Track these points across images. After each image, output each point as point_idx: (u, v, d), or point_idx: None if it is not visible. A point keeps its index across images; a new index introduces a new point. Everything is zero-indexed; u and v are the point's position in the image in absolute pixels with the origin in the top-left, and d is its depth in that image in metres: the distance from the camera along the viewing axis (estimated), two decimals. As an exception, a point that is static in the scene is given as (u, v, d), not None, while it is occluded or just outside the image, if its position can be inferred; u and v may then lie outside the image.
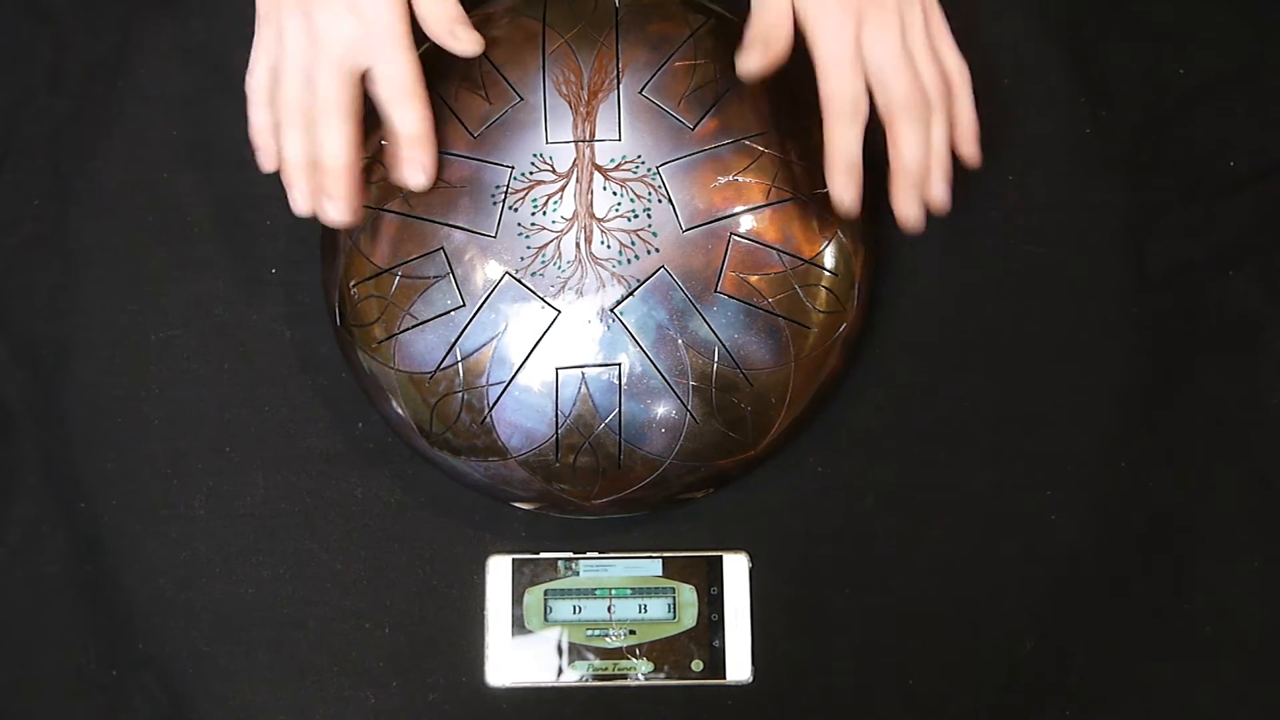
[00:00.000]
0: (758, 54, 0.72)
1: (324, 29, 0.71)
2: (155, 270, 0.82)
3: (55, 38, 0.84)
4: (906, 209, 0.73)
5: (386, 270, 0.75)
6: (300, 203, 0.74)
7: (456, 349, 0.75)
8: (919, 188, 0.73)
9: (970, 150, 0.74)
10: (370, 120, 0.74)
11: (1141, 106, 0.83)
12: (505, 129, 0.76)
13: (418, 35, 0.73)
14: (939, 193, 0.73)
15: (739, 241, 0.75)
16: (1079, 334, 0.81)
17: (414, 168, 0.73)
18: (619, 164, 0.75)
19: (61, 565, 0.80)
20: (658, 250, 0.75)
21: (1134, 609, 0.80)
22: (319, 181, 0.73)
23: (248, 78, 0.74)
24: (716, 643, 0.79)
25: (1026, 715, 0.79)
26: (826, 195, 0.75)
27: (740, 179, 0.75)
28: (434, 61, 0.76)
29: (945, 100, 0.73)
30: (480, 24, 0.77)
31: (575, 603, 0.79)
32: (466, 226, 0.75)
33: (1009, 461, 0.81)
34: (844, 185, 0.72)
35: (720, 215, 0.75)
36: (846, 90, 0.71)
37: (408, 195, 0.75)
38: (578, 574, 0.79)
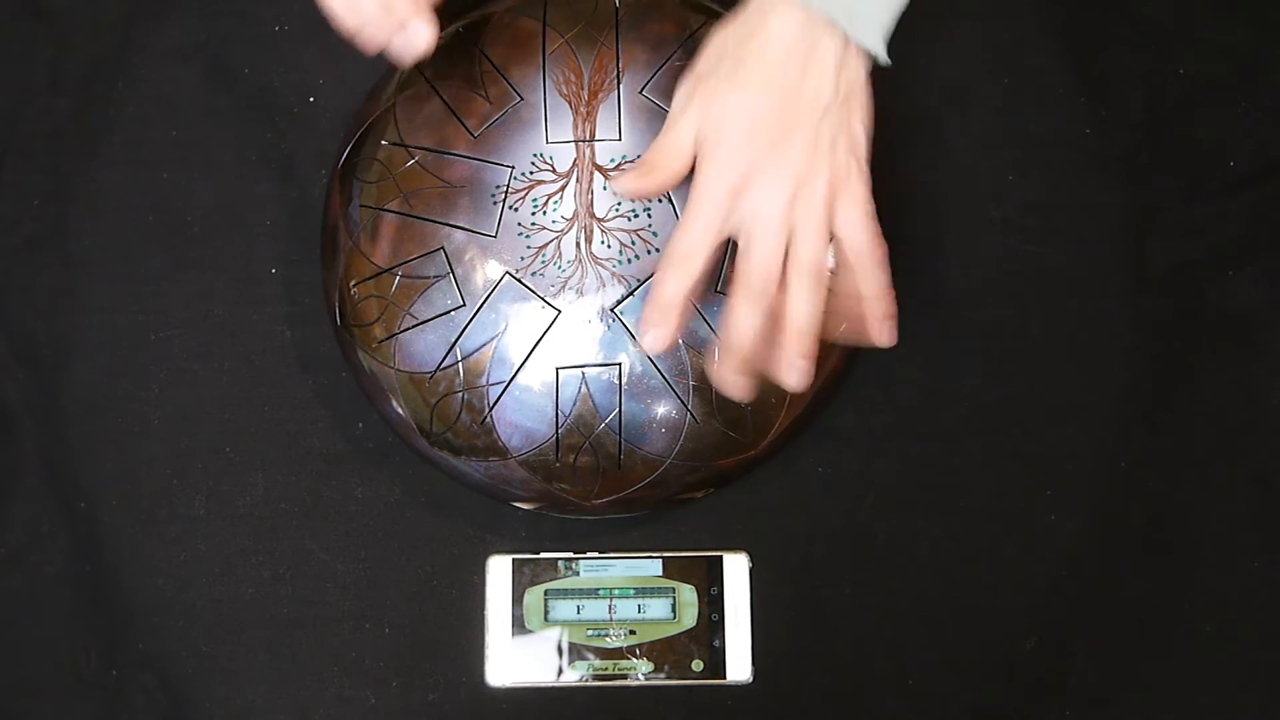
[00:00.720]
0: (639, 177, 0.69)
1: None
2: (155, 270, 0.82)
3: (55, 38, 0.84)
4: (721, 382, 0.69)
5: (386, 270, 0.75)
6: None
7: (456, 349, 0.75)
8: (736, 364, 0.68)
9: (877, 332, 0.68)
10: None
11: (1141, 106, 0.83)
12: (505, 129, 0.76)
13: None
14: (788, 373, 0.67)
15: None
16: (1079, 334, 0.81)
17: None
18: (619, 164, 0.75)
19: (61, 565, 0.80)
20: (658, 250, 0.75)
21: (1134, 609, 0.80)
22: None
23: None
24: (716, 643, 0.79)
25: (1026, 715, 0.79)
26: None
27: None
28: (433, 61, 0.76)
29: (819, 278, 0.67)
30: (480, 24, 0.77)
31: (575, 603, 0.79)
32: (467, 226, 0.75)
33: (1009, 461, 0.81)
34: (645, 330, 0.68)
35: (720, 215, 0.75)
36: (683, 239, 0.67)
37: (408, 195, 0.75)
38: (578, 574, 0.79)
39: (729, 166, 0.67)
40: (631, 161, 0.75)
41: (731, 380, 0.69)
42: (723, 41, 0.69)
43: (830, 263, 0.68)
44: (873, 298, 0.68)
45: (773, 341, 0.67)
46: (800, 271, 0.67)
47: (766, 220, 0.66)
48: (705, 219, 0.67)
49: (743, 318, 0.67)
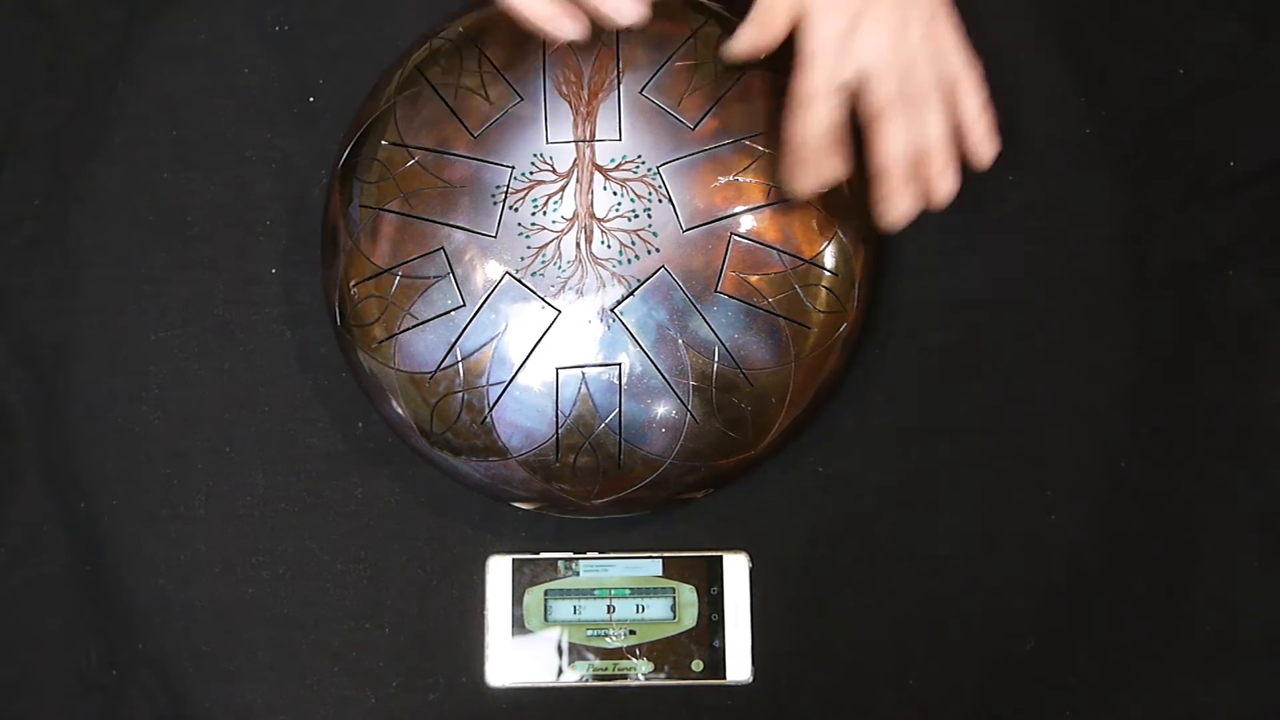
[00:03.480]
0: (750, 34, 0.73)
1: None
2: (155, 270, 0.82)
3: (55, 38, 0.84)
4: (882, 209, 0.73)
5: (386, 270, 0.75)
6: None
7: (456, 349, 0.75)
8: (895, 188, 0.73)
9: (980, 150, 0.74)
10: (372, 128, 0.74)
11: (1141, 106, 0.83)
12: (506, 129, 0.76)
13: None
14: (936, 187, 0.73)
15: (739, 241, 0.75)
16: (1079, 334, 0.81)
17: None
18: (619, 164, 0.75)
19: (61, 565, 0.80)
20: (658, 250, 0.75)
21: (1134, 609, 0.80)
22: None
23: None
24: (716, 643, 0.79)
25: (1026, 715, 0.79)
26: (827, 195, 0.75)
27: (740, 179, 0.75)
28: (433, 61, 0.77)
29: (942, 98, 0.73)
30: (480, 24, 0.77)
31: (575, 603, 0.79)
32: (467, 226, 0.75)
33: (1009, 461, 0.81)
34: (789, 176, 0.73)
35: (720, 215, 0.75)
36: (811, 80, 0.71)
37: (408, 195, 0.75)
38: (578, 574, 0.79)
39: (836, 11, 0.71)
40: (632, 161, 0.75)
41: (893, 214, 0.73)
42: None
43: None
44: (975, 115, 0.73)
45: (916, 167, 0.73)
46: (925, 96, 0.72)
47: (880, 58, 0.71)
48: (821, 65, 0.71)
49: (889, 141, 0.71)
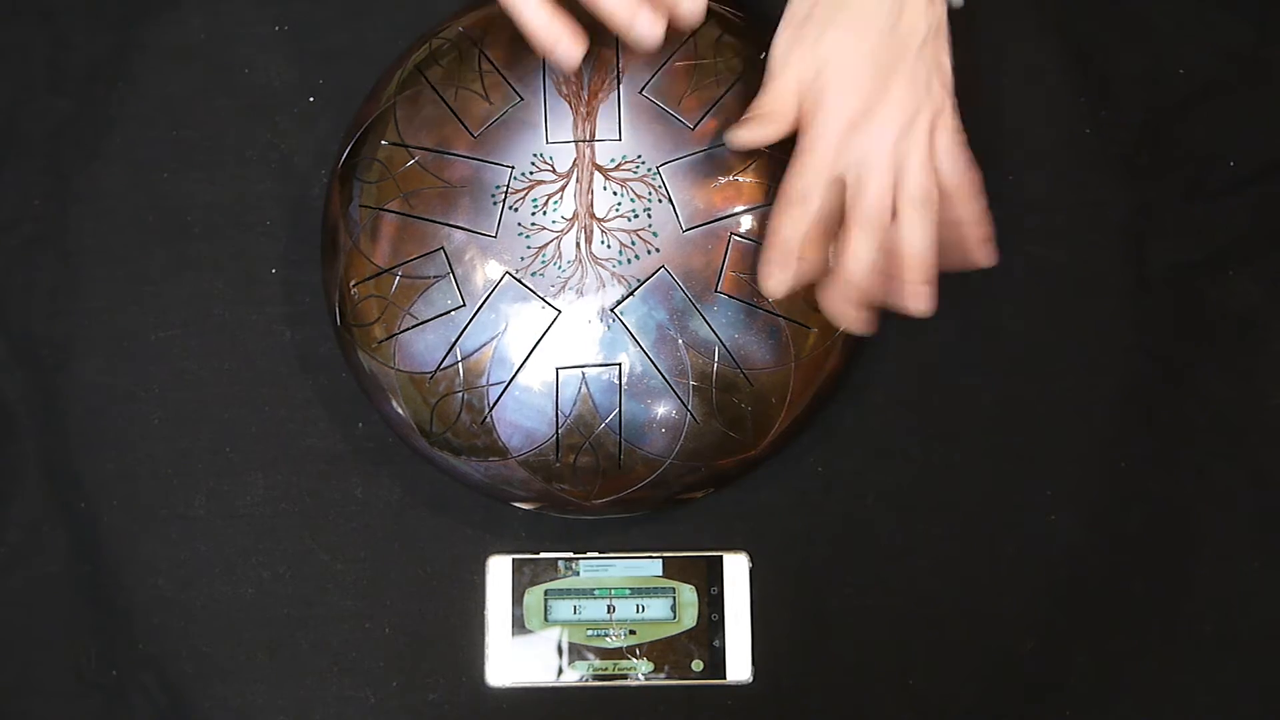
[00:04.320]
0: (755, 129, 0.72)
1: None
2: (155, 270, 0.82)
3: (55, 38, 0.84)
4: (840, 316, 0.72)
5: (386, 270, 0.75)
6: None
7: (456, 349, 0.75)
8: (854, 297, 0.71)
9: (980, 254, 0.73)
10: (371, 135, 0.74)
11: (1141, 106, 0.83)
12: (505, 129, 0.76)
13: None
14: (914, 300, 0.70)
15: (739, 241, 0.75)
16: (1079, 334, 0.81)
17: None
18: (619, 164, 0.75)
19: (61, 565, 0.80)
20: (658, 250, 0.75)
21: (1134, 609, 0.80)
22: None
23: None
24: (716, 643, 0.79)
25: (1026, 715, 0.79)
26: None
27: (740, 179, 0.75)
28: (433, 61, 0.77)
29: (930, 207, 0.70)
30: (480, 24, 0.77)
31: (575, 603, 0.79)
32: (466, 226, 0.75)
33: (1009, 461, 0.81)
34: (768, 273, 0.71)
35: (720, 215, 0.75)
36: (797, 181, 0.70)
37: (408, 195, 0.75)
38: (578, 574, 0.79)
39: (840, 109, 0.70)
40: (632, 161, 0.75)
41: (849, 314, 0.71)
42: None
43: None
44: (972, 222, 0.72)
45: (887, 275, 0.71)
46: (913, 203, 0.70)
47: (878, 158, 0.70)
48: (818, 161, 0.70)
49: (861, 251, 0.70)
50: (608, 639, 0.79)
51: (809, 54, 0.71)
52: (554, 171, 0.75)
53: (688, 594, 0.79)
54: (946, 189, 0.71)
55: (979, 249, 0.73)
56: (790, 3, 0.72)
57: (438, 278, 0.75)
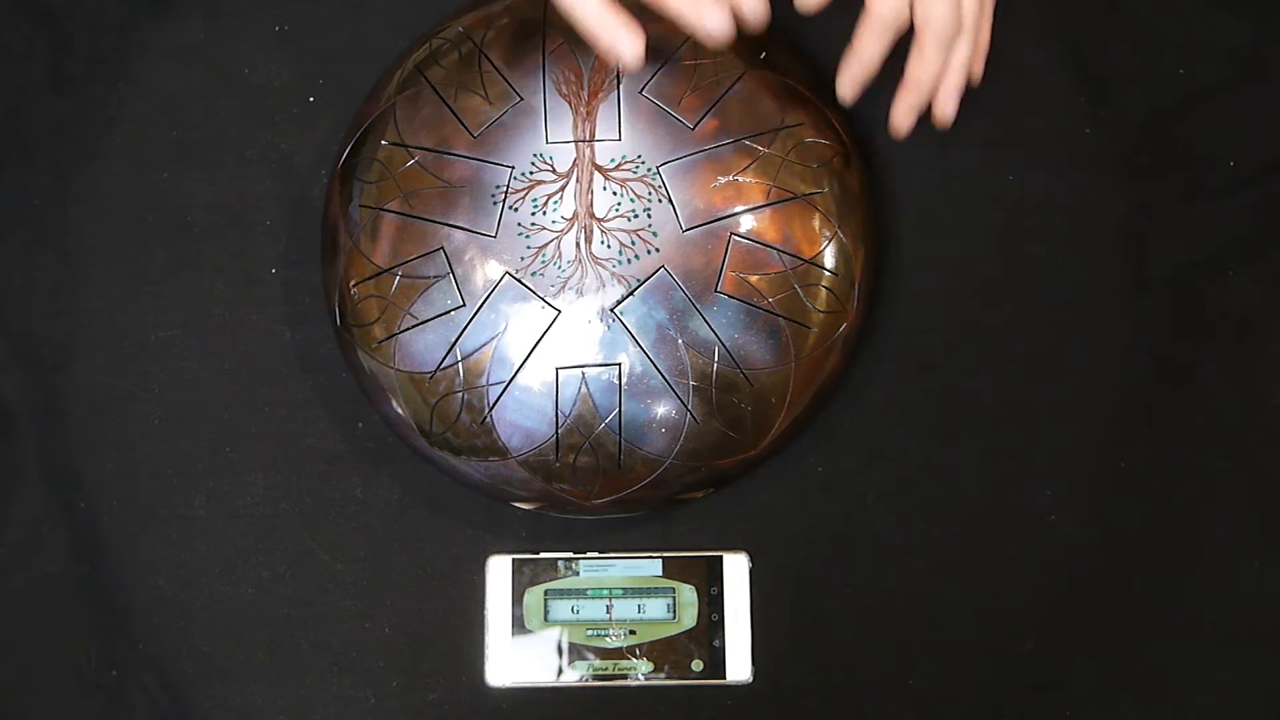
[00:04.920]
0: None
1: None
2: (155, 270, 0.82)
3: (55, 38, 0.84)
4: (903, 119, 0.78)
5: (386, 270, 0.75)
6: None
7: (456, 349, 0.75)
8: (920, 102, 0.78)
9: (977, 69, 0.79)
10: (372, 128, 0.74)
11: (1141, 106, 0.83)
12: (505, 129, 0.76)
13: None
14: (948, 109, 0.78)
15: (739, 241, 0.75)
16: (1079, 334, 0.81)
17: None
18: (619, 164, 0.75)
19: (61, 565, 0.80)
20: (658, 250, 0.75)
21: (1134, 609, 0.80)
22: None
23: None
24: (716, 643, 0.79)
25: (1026, 715, 0.79)
26: (826, 195, 0.75)
27: (740, 179, 0.75)
28: (433, 61, 0.77)
29: (976, 24, 0.77)
30: (480, 24, 0.77)
31: (575, 603, 0.79)
32: (466, 226, 0.75)
33: (1009, 461, 0.81)
34: (848, 84, 0.77)
35: (720, 215, 0.75)
36: (888, 6, 0.74)
37: (408, 195, 0.75)
38: (578, 574, 0.79)
39: None
40: (632, 161, 0.75)
41: (909, 123, 0.78)
42: None
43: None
44: (984, 46, 0.80)
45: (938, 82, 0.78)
46: (967, 23, 0.77)
47: None
48: None
49: (931, 61, 0.76)
50: (608, 639, 0.79)
51: None
52: (554, 171, 0.75)
53: (687, 594, 0.79)
54: (983, 5, 0.78)
55: (979, 65, 0.80)
56: None
57: (438, 278, 0.75)
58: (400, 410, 0.76)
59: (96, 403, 0.81)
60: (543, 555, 0.80)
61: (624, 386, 0.74)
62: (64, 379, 0.81)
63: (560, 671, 0.79)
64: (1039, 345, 0.81)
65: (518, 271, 0.75)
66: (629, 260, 0.75)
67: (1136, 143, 0.83)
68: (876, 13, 0.74)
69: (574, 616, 0.79)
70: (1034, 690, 0.79)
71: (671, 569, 0.79)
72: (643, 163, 0.75)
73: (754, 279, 0.75)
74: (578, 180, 0.75)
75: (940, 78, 0.77)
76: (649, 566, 0.79)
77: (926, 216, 0.82)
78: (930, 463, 0.81)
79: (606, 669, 0.79)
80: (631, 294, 0.74)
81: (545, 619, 0.79)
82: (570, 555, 0.80)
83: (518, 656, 0.79)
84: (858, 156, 0.78)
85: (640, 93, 0.76)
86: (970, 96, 0.81)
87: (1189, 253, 0.82)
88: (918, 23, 0.75)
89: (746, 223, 0.75)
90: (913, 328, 0.82)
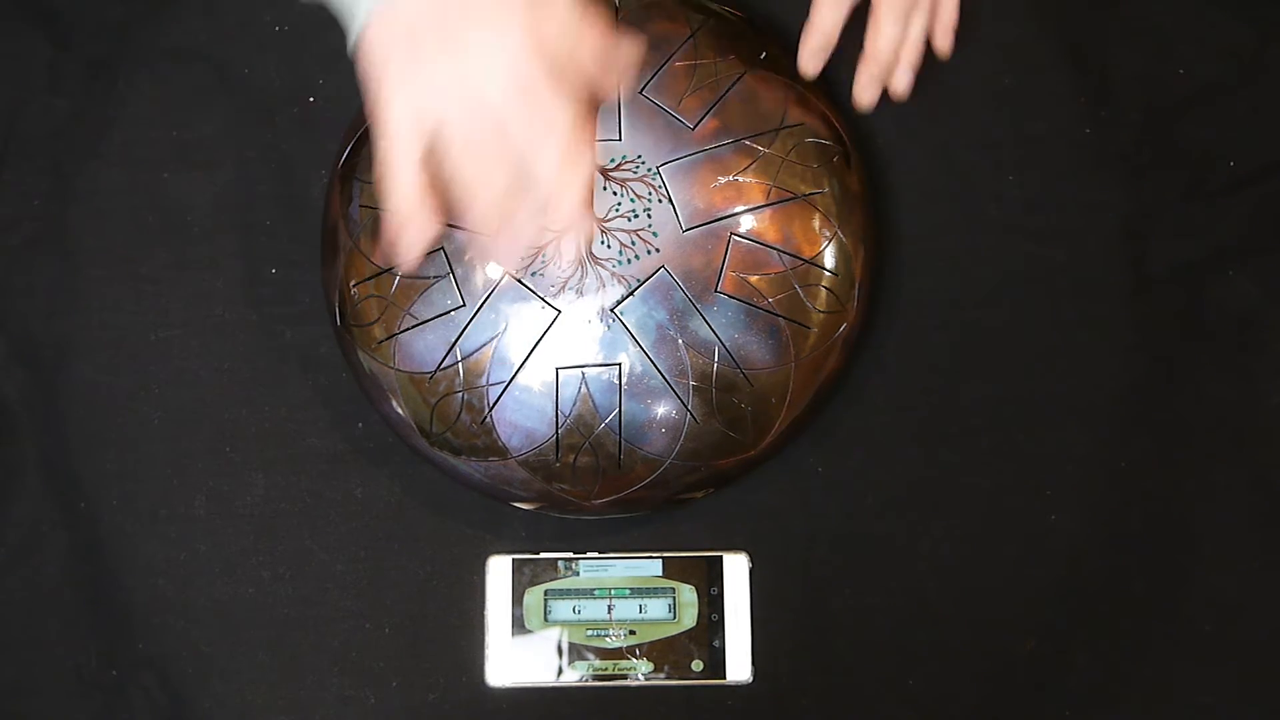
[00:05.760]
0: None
1: None
2: (155, 270, 0.82)
3: (55, 38, 0.84)
4: (865, 92, 0.80)
5: (386, 270, 0.75)
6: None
7: (456, 349, 0.75)
8: (881, 75, 0.79)
9: (944, 43, 0.81)
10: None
11: (1141, 106, 0.83)
12: (505, 129, 0.75)
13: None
14: (903, 82, 0.80)
15: (739, 241, 0.75)
16: (1079, 334, 0.81)
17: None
18: (619, 164, 0.75)
19: (61, 565, 0.80)
20: (658, 250, 0.75)
21: (1134, 609, 0.80)
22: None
23: None
24: (716, 643, 0.79)
25: (1026, 715, 0.79)
26: (826, 195, 0.75)
27: (740, 179, 0.75)
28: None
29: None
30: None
31: (575, 603, 0.79)
32: (466, 226, 0.75)
33: (1009, 461, 0.81)
34: (807, 56, 0.78)
35: (720, 215, 0.75)
36: None
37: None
38: (578, 574, 0.79)
39: None
40: (632, 162, 0.75)
41: (871, 96, 0.80)
42: None
43: None
44: (950, 18, 0.80)
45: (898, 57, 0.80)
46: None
47: None
48: None
49: (886, 35, 0.78)
50: (607, 639, 0.79)
51: None
52: (554, 171, 0.75)
53: (687, 594, 0.79)
54: None
55: (945, 38, 0.81)
56: None
57: (438, 278, 0.75)
58: (400, 410, 0.76)
59: (96, 403, 0.81)
60: (543, 555, 0.80)
61: (624, 386, 0.74)
62: (64, 379, 0.81)
63: (560, 671, 0.79)
64: (1039, 345, 0.81)
65: (518, 271, 0.75)
66: (629, 260, 0.75)
67: (1136, 143, 0.83)
68: None
69: (574, 616, 0.79)
70: (1034, 690, 0.79)
71: (671, 569, 0.79)
72: (643, 163, 0.75)
73: (754, 279, 0.75)
74: (578, 180, 0.75)
75: (899, 49, 0.79)
76: (649, 566, 0.79)
77: (926, 216, 0.82)
78: (930, 463, 0.81)
79: (606, 669, 0.79)
80: (631, 294, 0.74)
81: (545, 619, 0.79)
82: (570, 555, 0.80)
83: (518, 656, 0.79)
84: (858, 156, 0.78)
85: (640, 93, 0.76)
86: (970, 96, 0.81)
87: (1189, 253, 0.82)
88: None
89: (746, 223, 0.75)
90: (913, 328, 0.81)
